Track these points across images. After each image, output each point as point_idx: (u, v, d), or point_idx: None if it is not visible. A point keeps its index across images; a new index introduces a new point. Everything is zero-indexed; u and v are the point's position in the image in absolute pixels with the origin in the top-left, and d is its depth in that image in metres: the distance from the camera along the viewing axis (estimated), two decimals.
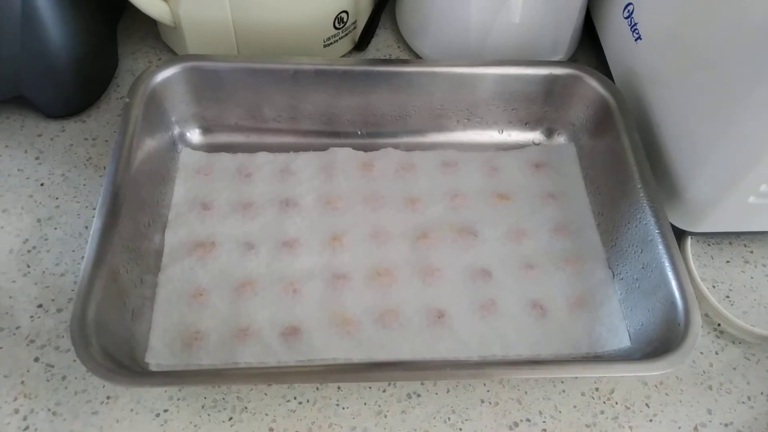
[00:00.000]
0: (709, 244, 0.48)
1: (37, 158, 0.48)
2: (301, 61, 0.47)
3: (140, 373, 0.36)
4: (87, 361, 0.33)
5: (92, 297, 0.35)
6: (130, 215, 0.40)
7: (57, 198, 0.46)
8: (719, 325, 0.44)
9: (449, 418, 0.39)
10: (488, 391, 0.40)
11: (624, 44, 0.51)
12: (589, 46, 0.59)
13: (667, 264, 0.39)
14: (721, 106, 0.40)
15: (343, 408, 0.39)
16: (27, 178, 0.47)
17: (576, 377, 0.41)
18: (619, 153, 0.45)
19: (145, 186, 0.43)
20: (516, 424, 0.39)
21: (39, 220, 0.45)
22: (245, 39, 0.51)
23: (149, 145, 0.44)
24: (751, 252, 0.48)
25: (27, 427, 0.37)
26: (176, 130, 0.48)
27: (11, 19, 0.44)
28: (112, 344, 0.35)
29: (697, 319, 0.37)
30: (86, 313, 0.34)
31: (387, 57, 0.57)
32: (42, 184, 0.47)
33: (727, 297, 0.45)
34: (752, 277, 0.46)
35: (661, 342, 0.38)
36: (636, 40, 0.49)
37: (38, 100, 0.49)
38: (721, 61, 0.40)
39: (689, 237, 0.46)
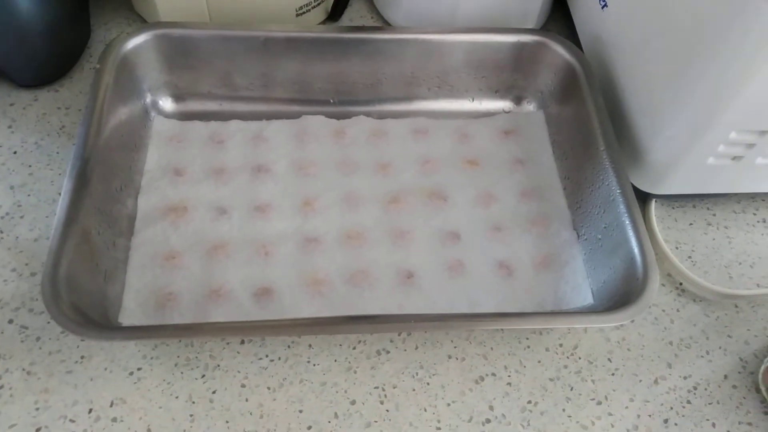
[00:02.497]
0: (673, 207, 0.49)
1: (9, 127, 0.48)
2: (271, 28, 0.47)
3: (111, 327, 0.37)
4: (57, 316, 0.33)
5: (63, 255, 0.35)
6: (102, 179, 0.41)
7: (30, 166, 0.47)
8: (681, 284, 0.45)
9: (417, 373, 0.40)
10: (455, 347, 0.41)
11: (591, 12, 0.52)
12: (559, 15, 0.59)
13: (627, 222, 0.40)
14: (680, 70, 0.41)
15: (314, 365, 0.40)
16: (0, 146, 0.47)
17: (540, 333, 0.42)
18: (584, 118, 0.46)
19: (117, 152, 0.43)
20: (482, 378, 0.40)
21: (12, 188, 0.45)
22: (217, 7, 0.51)
23: (121, 111, 0.44)
24: (714, 215, 0.49)
25: (2, 386, 0.38)
26: (149, 98, 0.48)
27: None
28: (84, 303, 0.36)
29: (655, 272, 0.38)
30: (58, 270, 0.35)
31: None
32: (15, 152, 0.47)
33: (690, 258, 0.47)
34: (714, 239, 0.48)
35: (621, 297, 0.39)
36: (603, 7, 0.50)
37: (10, 69, 0.49)
38: (680, 27, 0.41)
39: (653, 200, 0.48)
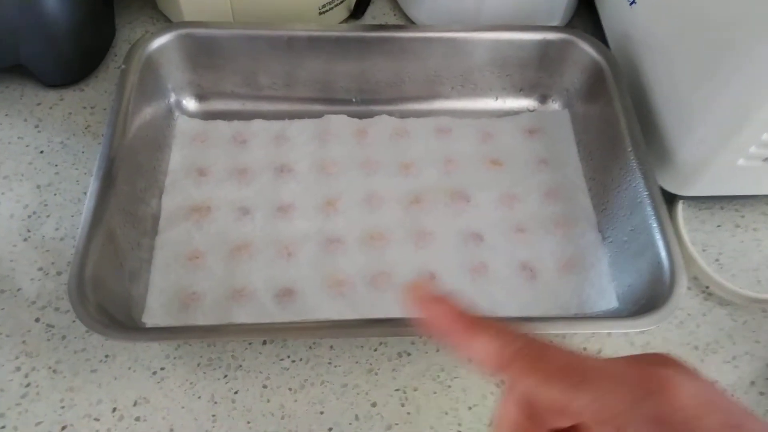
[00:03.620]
0: (700, 209, 0.48)
1: (36, 126, 0.49)
2: (294, 27, 0.47)
3: (136, 328, 0.37)
4: (84, 317, 0.34)
5: (89, 256, 0.36)
6: (127, 180, 0.41)
7: (56, 165, 0.47)
8: (707, 287, 0.44)
9: (438, 376, 0.40)
10: None
11: (619, 8, 0.51)
12: (585, 11, 0.58)
13: (654, 225, 0.40)
14: (711, 69, 0.40)
15: (336, 366, 0.40)
16: (27, 146, 0.48)
17: (564, 336, 0.41)
18: (611, 118, 0.45)
19: (142, 152, 0.44)
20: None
21: (39, 187, 0.46)
22: (240, 6, 0.51)
23: (146, 111, 0.45)
24: (743, 216, 0.48)
25: (29, 384, 0.38)
26: (173, 98, 0.48)
27: None
28: (109, 303, 0.36)
29: (682, 278, 0.37)
30: (84, 271, 0.35)
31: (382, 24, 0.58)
32: (41, 152, 0.48)
33: (717, 260, 0.46)
34: (742, 242, 0.47)
35: (648, 301, 0.38)
36: (630, 4, 0.49)
37: (37, 69, 0.50)
38: (712, 25, 0.40)
39: (680, 201, 0.47)
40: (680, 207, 0.47)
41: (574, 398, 0.20)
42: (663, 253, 0.38)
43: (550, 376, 0.21)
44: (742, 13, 0.37)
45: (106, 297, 0.36)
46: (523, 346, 0.22)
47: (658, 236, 0.39)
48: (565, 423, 0.22)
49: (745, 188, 0.45)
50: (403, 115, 0.50)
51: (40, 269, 0.42)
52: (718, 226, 0.47)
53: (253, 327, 0.38)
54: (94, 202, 0.38)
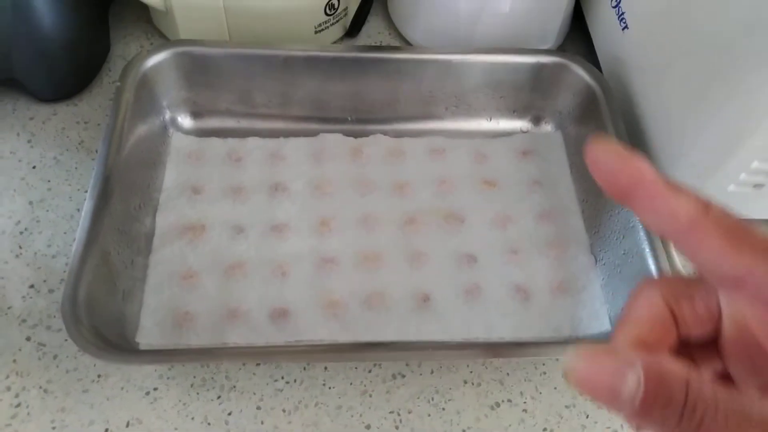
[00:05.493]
0: None
1: (29, 141, 0.49)
2: (291, 47, 0.47)
3: (130, 351, 0.37)
4: (78, 339, 0.33)
5: (83, 277, 0.36)
6: (122, 198, 0.41)
7: (49, 181, 0.47)
8: None
9: (432, 398, 0.40)
10: (471, 372, 0.41)
11: (611, 33, 0.52)
12: (578, 35, 0.59)
13: (647, 251, 0.40)
14: (702, 95, 0.40)
15: (330, 387, 0.40)
16: (19, 161, 0.48)
17: (557, 359, 0.42)
18: None
19: (136, 169, 0.44)
20: (498, 405, 0.40)
21: (31, 203, 0.46)
22: (236, 25, 0.51)
23: (140, 129, 0.45)
24: None
25: (19, 404, 0.38)
26: (167, 115, 0.48)
27: (2, 2, 0.44)
28: (103, 324, 0.36)
29: None
30: (77, 293, 0.35)
31: (378, 44, 0.58)
32: (34, 167, 0.47)
33: None
34: None
35: None
36: (623, 29, 0.50)
37: (30, 84, 0.49)
38: (704, 51, 0.40)
39: None
40: None
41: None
42: None
43: (741, 242, 0.19)
44: (734, 39, 0.38)
45: (99, 317, 0.36)
46: (720, 211, 0.20)
47: (650, 262, 0.39)
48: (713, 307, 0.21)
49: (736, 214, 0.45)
50: (398, 134, 0.51)
51: (32, 287, 0.42)
52: None
53: (246, 350, 0.38)
54: (88, 222, 0.38)
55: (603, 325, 0.42)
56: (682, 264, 0.45)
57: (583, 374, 0.18)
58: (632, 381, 0.17)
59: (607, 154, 0.20)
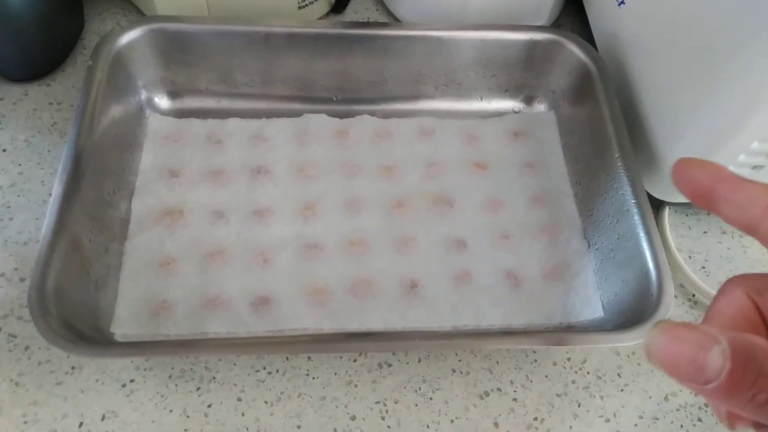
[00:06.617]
0: (687, 215, 0.47)
1: None
2: (272, 23, 0.45)
3: (102, 343, 0.35)
4: (46, 331, 0.32)
5: (52, 266, 0.34)
6: (94, 182, 0.39)
7: (20, 164, 0.45)
8: (694, 295, 0.44)
9: (420, 388, 0.39)
10: (460, 360, 0.40)
11: (607, 9, 0.50)
12: (573, 11, 0.57)
13: (642, 235, 0.39)
14: (701, 74, 0.39)
15: (313, 378, 0.38)
16: None
17: (549, 348, 0.40)
18: (598, 121, 0.44)
19: (110, 152, 0.42)
20: (487, 394, 0.39)
21: (1, 187, 0.44)
22: (216, 0, 0.49)
23: (115, 110, 0.43)
24: None
25: None
26: (143, 95, 0.46)
27: None
28: (74, 314, 0.34)
29: (670, 290, 0.36)
30: (45, 283, 0.33)
31: (365, 20, 0.56)
32: (4, 150, 0.45)
33: (703, 268, 0.45)
34: (729, 248, 0.46)
35: (634, 312, 0.37)
36: (619, 4, 0.48)
37: (0, 63, 0.47)
38: (703, 27, 0.39)
39: (667, 207, 0.46)
40: (667, 213, 0.46)
41: None
42: (651, 265, 0.37)
43: None
44: (732, 17, 0.36)
45: (71, 308, 0.34)
46: None
47: (645, 247, 0.38)
48: None
49: None
50: (386, 115, 0.49)
51: (2, 275, 0.40)
52: (705, 232, 0.47)
53: (225, 342, 0.36)
54: (57, 207, 0.36)
55: (596, 311, 0.40)
56: (675, 243, 0.44)
57: (665, 350, 0.18)
58: (717, 354, 0.17)
59: (689, 163, 0.22)
